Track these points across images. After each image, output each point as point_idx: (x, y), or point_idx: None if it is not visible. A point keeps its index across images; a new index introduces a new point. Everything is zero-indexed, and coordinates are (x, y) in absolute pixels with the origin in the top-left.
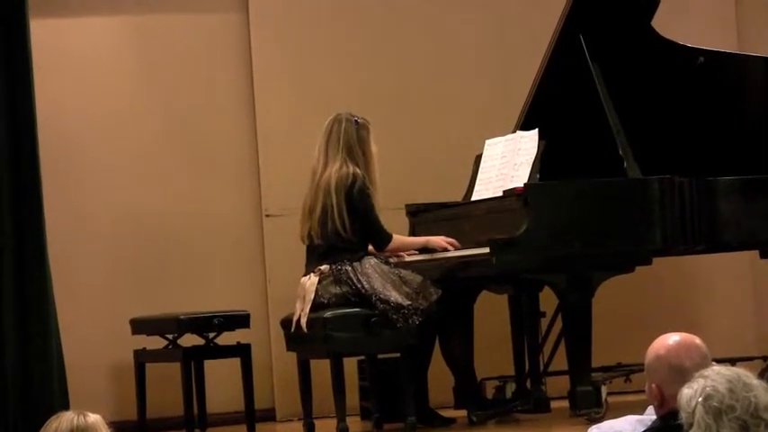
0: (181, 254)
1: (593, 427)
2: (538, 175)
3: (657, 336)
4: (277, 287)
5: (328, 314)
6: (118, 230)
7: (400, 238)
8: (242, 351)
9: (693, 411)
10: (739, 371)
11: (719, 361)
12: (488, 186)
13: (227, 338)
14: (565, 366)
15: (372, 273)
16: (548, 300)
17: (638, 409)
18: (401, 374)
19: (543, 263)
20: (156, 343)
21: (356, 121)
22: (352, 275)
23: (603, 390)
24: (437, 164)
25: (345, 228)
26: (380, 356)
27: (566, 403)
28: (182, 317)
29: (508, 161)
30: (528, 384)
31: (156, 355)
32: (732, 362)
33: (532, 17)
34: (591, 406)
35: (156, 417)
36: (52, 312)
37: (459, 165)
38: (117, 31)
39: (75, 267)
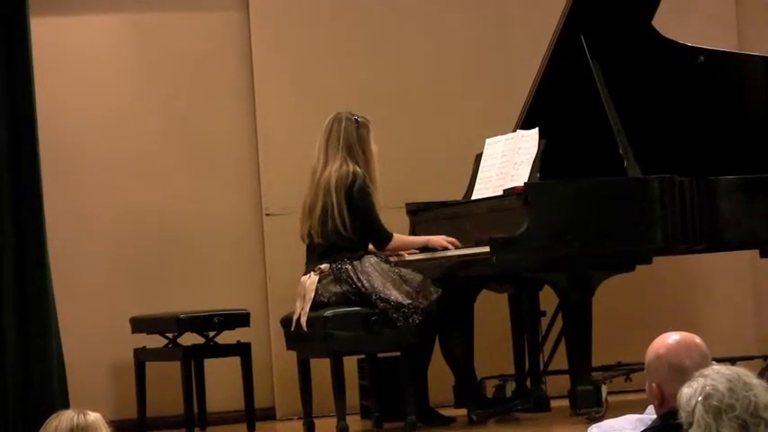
0: (181, 253)
1: (594, 426)
2: (538, 175)
3: (657, 335)
4: (277, 286)
5: (328, 313)
6: (118, 230)
7: (400, 237)
8: (242, 350)
9: (693, 410)
10: (739, 370)
11: (719, 360)
12: (489, 185)
13: (227, 337)
14: (565, 365)
15: (372, 271)
16: (548, 299)
17: (639, 408)
18: (401, 373)
19: (543, 262)
20: (156, 342)
21: (356, 119)
22: (352, 274)
23: (604, 389)
24: (437, 163)
25: (345, 226)
26: (380, 355)
27: (566, 402)
28: (182, 316)
29: (508, 160)
30: (528, 383)
31: (157, 354)
32: (732, 361)
33: (532, 17)
34: (591, 405)
35: (156, 415)
36: (52, 312)
37: (459, 164)
38: (117, 29)
39: (75, 267)
